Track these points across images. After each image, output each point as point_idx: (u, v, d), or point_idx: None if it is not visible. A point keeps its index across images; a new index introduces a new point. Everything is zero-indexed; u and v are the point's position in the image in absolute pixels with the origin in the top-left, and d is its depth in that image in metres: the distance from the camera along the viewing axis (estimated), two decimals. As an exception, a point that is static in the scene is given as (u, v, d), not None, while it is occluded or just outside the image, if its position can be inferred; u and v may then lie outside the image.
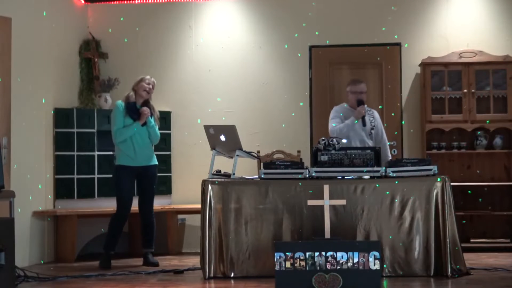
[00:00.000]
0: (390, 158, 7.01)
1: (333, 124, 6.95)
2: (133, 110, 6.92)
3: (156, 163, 7.10)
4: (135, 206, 7.06)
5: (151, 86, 7.00)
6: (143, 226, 7.06)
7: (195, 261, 6.88)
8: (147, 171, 6.99)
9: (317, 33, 8.33)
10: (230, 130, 6.31)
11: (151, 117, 6.97)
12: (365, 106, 6.97)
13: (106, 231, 7.06)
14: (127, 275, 6.34)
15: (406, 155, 8.15)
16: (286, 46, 8.38)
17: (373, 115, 7.05)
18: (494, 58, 7.96)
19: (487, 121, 7.84)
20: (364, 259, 5.29)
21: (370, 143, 6.93)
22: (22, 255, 6.83)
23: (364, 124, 6.84)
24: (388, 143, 7.77)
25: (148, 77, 7.05)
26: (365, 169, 6.04)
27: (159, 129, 7.13)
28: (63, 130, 7.79)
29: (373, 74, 8.30)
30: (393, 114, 8.22)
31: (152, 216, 7.05)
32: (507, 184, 7.95)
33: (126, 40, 8.54)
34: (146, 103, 6.98)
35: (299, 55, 8.35)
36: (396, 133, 8.16)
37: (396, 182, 5.97)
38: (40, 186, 7.43)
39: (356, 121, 6.85)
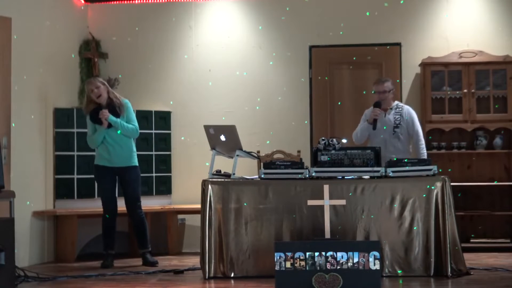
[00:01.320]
0: (425, 157, 6.79)
1: (357, 128, 6.96)
2: (95, 116, 6.88)
3: (135, 164, 7.00)
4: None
5: (95, 90, 6.85)
6: (133, 227, 7.07)
7: (195, 261, 6.87)
8: (125, 173, 6.94)
9: (317, 34, 8.35)
10: (230, 130, 6.31)
11: (121, 116, 6.87)
12: (396, 103, 6.91)
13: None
14: (127, 275, 6.34)
15: (406, 155, 8.15)
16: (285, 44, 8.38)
17: (401, 112, 6.88)
18: (494, 58, 7.96)
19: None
20: (364, 259, 5.29)
21: (394, 142, 6.83)
22: (22, 255, 6.83)
23: (374, 127, 6.76)
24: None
25: (90, 80, 6.97)
26: (365, 169, 6.03)
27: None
28: (63, 130, 7.79)
29: (373, 74, 8.29)
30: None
31: (139, 216, 7.00)
32: (507, 184, 7.95)
33: (126, 40, 8.54)
34: (110, 101, 6.89)
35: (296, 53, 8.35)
36: None
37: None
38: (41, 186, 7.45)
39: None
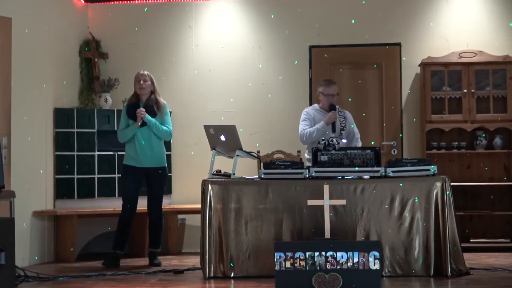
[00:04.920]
0: None
1: (303, 127, 6.92)
2: (131, 111, 6.86)
3: (164, 165, 6.98)
4: (140, 206, 7.04)
5: (142, 82, 6.88)
6: (150, 225, 7.04)
7: (195, 261, 6.88)
8: (153, 173, 6.90)
9: (317, 34, 8.36)
10: (230, 130, 6.31)
11: (157, 115, 6.85)
12: (337, 107, 6.96)
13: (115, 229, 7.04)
14: (127, 275, 6.34)
15: (406, 155, 8.16)
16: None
17: (344, 116, 6.99)
18: (494, 58, 7.96)
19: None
20: (364, 259, 5.29)
21: (346, 141, 6.86)
22: (22, 255, 6.84)
23: (333, 130, 6.79)
24: (389, 143, 7.79)
25: (141, 72, 6.94)
26: (365, 169, 6.04)
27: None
28: (63, 130, 7.79)
29: (373, 74, 8.30)
30: (393, 114, 8.23)
31: (158, 218, 6.99)
32: (507, 184, 7.95)
33: (126, 40, 8.55)
34: (149, 99, 6.89)
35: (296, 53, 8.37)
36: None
37: (401, 184, 5.97)
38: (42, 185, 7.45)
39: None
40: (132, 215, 6.95)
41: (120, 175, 7.29)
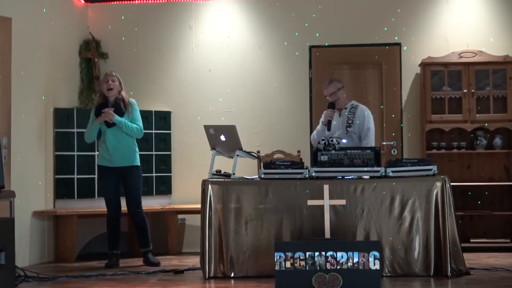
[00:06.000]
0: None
1: (316, 129, 6.95)
2: (99, 110, 6.90)
3: (136, 164, 6.96)
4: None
5: (110, 82, 6.89)
6: (134, 226, 7.05)
7: (195, 261, 6.88)
8: (126, 173, 6.90)
9: (317, 34, 8.35)
10: (230, 130, 6.31)
11: (125, 114, 6.85)
12: (352, 102, 6.89)
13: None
14: (127, 275, 6.34)
15: (406, 155, 8.16)
16: (286, 44, 8.39)
17: (355, 112, 6.84)
18: (494, 58, 7.95)
19: (486, 124, 7.84)
20: (364, 259, 5.29)
21: (346, 141, 6.79)
22: (22, 255, 6.83)
23: (328, 129, 6.72)
24: (389, 143, 7.77)
25: (108, 72, 7.00)
26: (365, 169, 6.04)
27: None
28: (63, 130, 7.79)
29: (373, 74, 8.29)
30: (393, 115, 8.22)
31: (139, 216, 6.96)
32: (507, 184, 7.94)
33: (126, 40, 8.54)
34: (117, 98, 6.89)
35: (297, 53, 8.37)
36: (393, 134, 8.17)
37: (394, 184, 5.97)
38: (40, 184, 7.44)
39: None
40: (118, 214, 6.97)
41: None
